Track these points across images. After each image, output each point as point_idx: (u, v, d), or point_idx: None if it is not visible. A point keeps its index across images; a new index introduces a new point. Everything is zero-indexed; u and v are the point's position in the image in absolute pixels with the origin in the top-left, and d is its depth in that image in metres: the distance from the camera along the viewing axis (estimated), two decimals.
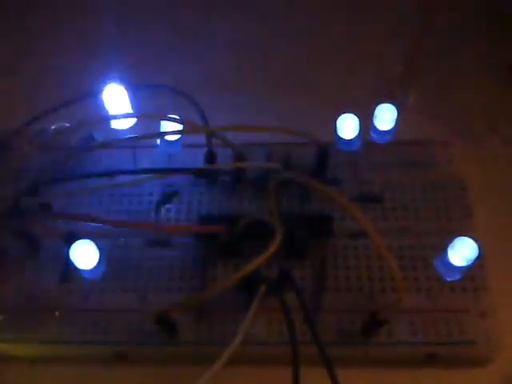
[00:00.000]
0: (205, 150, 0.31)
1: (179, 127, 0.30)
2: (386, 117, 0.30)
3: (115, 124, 0.31)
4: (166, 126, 0.30)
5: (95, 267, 0.28)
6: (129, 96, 0.32)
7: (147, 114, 0.31)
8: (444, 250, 0.27)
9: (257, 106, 0.36)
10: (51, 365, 0.28)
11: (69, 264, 0.28)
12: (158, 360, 0.27)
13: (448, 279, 0.28)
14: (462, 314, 0.27)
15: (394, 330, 0.26)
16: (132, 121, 0.31)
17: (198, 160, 0.31)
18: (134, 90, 0.32)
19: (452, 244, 0.27)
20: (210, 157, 0.31)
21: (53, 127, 0.32)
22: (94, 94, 0.31)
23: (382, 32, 0.40)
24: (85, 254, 0.27)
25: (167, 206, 0.31)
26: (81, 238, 0.28)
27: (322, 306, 0.27)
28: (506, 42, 0.39)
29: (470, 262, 0.27)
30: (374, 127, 0.31)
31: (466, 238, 0.27)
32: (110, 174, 0.30)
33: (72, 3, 0.43)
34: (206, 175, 0.31)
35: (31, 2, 0.43)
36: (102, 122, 0.32)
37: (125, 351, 0.27)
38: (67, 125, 0.32)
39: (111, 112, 0.32)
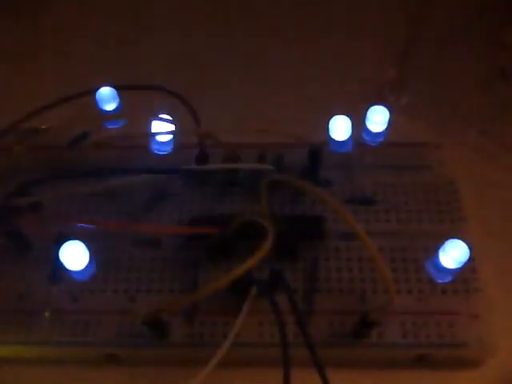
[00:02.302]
0: (197, 150, 0.31)
1: (171, 127, 0.30)
2: (378, 119, 0.30)
3: (107, 124, 0.31)
4: (158, 126, 0.30)
5: (85, 268, 0.28)
6: (122, 96, 0.31)
7: (140, 114, 0.31)
8: (435, 252, 0.27)
9: (251, 106, 0.36)
10: (40, 366, 0.27)
11: (59, 265, 0.28)
12: (148, 362, 0.27)
13: (439, 281, 0.28)
14: (453, 316, 0.27)
15: (385, 331, 0.26)
16: (124, 121, 0.31)
17: (189, 160, 0.31)
18: (127, 89, 0.32)
19: (443, 246, 0.27)
20: (202, 157, 0.31)
21: (43, 126, 0.32)
22: (86, 94, 0.31)
23: (376, 34, 0.40)
24: (75, 255, 0.27)
25: (158, 206, 0.31)
26: (71, 239, 0.27)
27: (313, 307, 0.27)
28: (498, 45, 0.39)
29: (462, 265, 0.27)
30: (367, 129, 0.31)
31: (457, 240, 0.27)
32: (101, 173, 0.30)
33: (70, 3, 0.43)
34: (198, 176, 0.31)
35: (28, 2, 0.43)
36: (94, 121, 0.32)
37: (114, 353, 0.27)
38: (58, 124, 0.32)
39: (103, 112, 0.31)
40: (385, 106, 0.30)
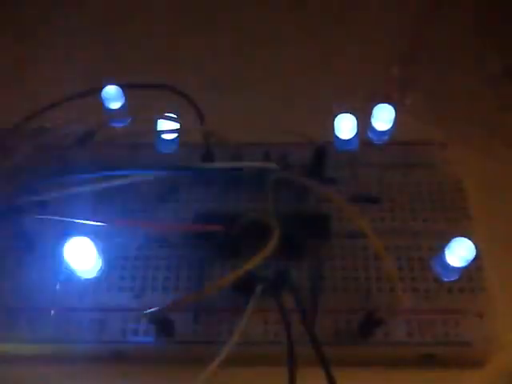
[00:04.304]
0: (202, 149, 0.31)
1: (177, 126, 0.30)
2: (384, 117, 0.30)
3: (113, 122, 0.31)
4: (164, 124, 0.30)
5: (91, 266, 0.28)
6: (127, 94, 0.31)
7: (145, 113, 0.31)
8: (441, 251, 0.27)
9: (255, 105, 0.36)
10: (46, 364, 0.27)
11: (65, 263, 0.28)
12: (154, 360, 0.27)
13: (445, 280, 0.28)
14: (459, 314, 0.27)
15: (390, 330, 0.26)
16: (130, 119, 0.31)
17: (195, 159, 0.31)
18: (133, 88, 0.32)
19: (449, 245, 0.27)
20: (208, 156, 0.31)
21: (48, 125, 0.32)
22: (92, 92, 0.31)
23: (381, 32, 0.40)
24: (81, 253, 0.27)
25: (163, 204, 0.31)
26: (76, 237, 0.28)
27: (318, 306, 0.27)
28: (502, 44, 0.39)
29: (468, 263, 0.27)
30: (372, 127, 0.31)
31: (463, 238, 0.27)
32: (107, 172, 0.30)
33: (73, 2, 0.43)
34: (204, 174, 0.31)
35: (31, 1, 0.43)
36: (99, 120, 0.32)
37: (120, 351, 0.27)
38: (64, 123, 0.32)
39: (109, 110, 0.31)
40: (391, 104, 0.30)
